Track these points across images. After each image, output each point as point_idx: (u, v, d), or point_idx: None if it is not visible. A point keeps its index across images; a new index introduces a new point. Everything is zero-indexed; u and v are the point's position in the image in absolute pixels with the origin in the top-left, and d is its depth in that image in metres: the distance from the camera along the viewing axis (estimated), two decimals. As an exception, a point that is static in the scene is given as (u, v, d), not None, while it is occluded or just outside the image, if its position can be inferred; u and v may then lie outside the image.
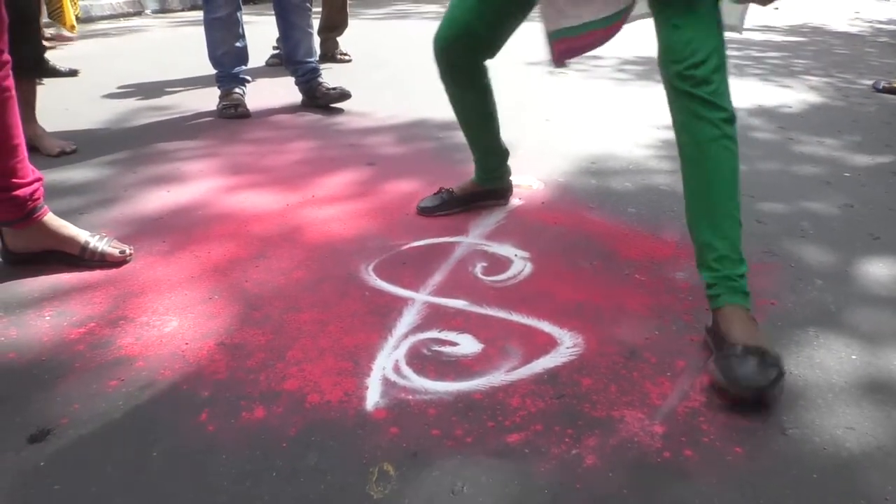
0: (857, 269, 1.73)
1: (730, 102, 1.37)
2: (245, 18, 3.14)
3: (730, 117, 1.37)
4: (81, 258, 1.66)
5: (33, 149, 2.53)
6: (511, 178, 2.11)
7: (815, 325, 1.46)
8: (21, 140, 1.57)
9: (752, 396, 1.18)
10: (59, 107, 2.60)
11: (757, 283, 1.59)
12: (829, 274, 1.69)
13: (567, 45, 1.64)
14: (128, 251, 1.71)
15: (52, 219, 1.66)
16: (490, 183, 2.07)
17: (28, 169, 1.60)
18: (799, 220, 2.01)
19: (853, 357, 1.34)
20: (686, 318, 1.47)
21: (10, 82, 1.52)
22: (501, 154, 2.03)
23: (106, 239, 1.71)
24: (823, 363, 1.32)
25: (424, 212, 2.02)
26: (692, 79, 1.34)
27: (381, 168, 2.44)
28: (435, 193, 2.07)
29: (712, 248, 1.36)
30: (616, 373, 1.28)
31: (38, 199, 1.63)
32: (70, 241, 1.66)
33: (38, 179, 1.64)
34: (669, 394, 1.22)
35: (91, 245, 1.67)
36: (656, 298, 1.55)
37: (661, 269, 1.69)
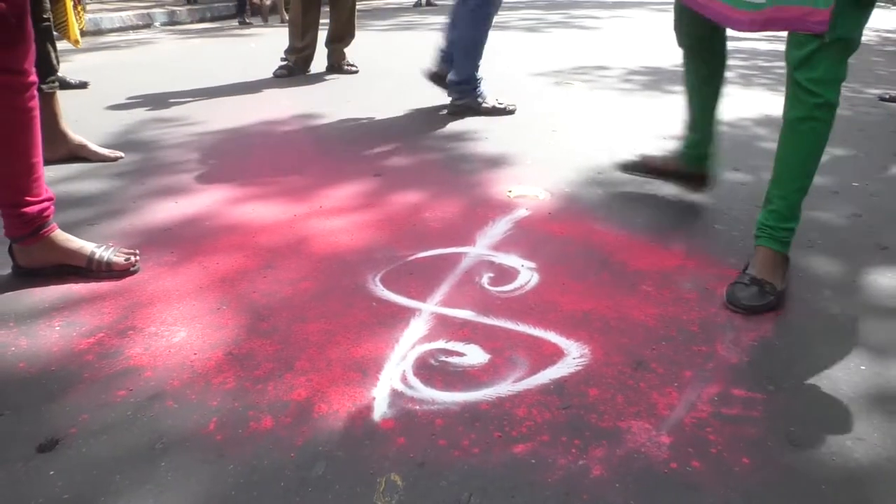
0: (865, 279, 1.72)
1: (832, 91, 1.54)
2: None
3: (823, 103, 1.54)
4: (89, 269, 1.67)
5: (82, 159, 2.58)
6: (538, 187, 2.19)
7: (823, 336, 1.46)
8: (39, 159, 1.61)
9: (744, 312, 1.52)
10: (69, 118, 2.62)
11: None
12: (838, 284, 1.68)
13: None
14: (133, 258, 1.72)
15: (58, 234, 1.68)
16: (687, 162, 2.18)
17: (42, 188, 1.63)
18: (807, 230, 2.01)
19: (862, 367, 1.34)
20: (693, 328, 1.47)
21: (35, 103, 1.56)
22: (704, 134, 2.14)
23: (112, 249, 1.73)
24: (832, 374, 1.32)
25: (625, 169, 2.26)
26: (797, 63, 1.53)
27: (387, 179, 2.45)
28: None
29: (771, 203, 1.66)
30: (623, 383, 1.28)
31: (48, 216, 1.65)
32: (76, 254, 1.68)
33: (50, 199, 1.67)
34: (676, 404, 1.22)
35: (97, 256, 1.68)
36: (663, 309, 1.55)
37: (668, 280, 1.68)
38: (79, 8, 2.75)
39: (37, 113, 1.57)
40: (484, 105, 3.33)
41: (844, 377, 1.31)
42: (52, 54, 2.43)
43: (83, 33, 2.85)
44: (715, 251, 1.83)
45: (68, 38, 2.70)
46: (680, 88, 2.28)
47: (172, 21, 7.84)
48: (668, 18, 2.11)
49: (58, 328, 1.45)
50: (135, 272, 1.71)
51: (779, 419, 1.19)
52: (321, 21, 4.55)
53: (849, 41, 1.50)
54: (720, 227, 2.01)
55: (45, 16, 2.34)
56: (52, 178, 2.38)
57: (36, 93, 1.55)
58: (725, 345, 1.41)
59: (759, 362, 1.35)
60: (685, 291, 1.63)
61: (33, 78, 1.53)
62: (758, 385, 1.28)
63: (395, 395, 1.24)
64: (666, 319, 1.50)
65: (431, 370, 1.32)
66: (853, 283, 1.70)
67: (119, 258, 1.70)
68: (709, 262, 1.77)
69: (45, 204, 1.64)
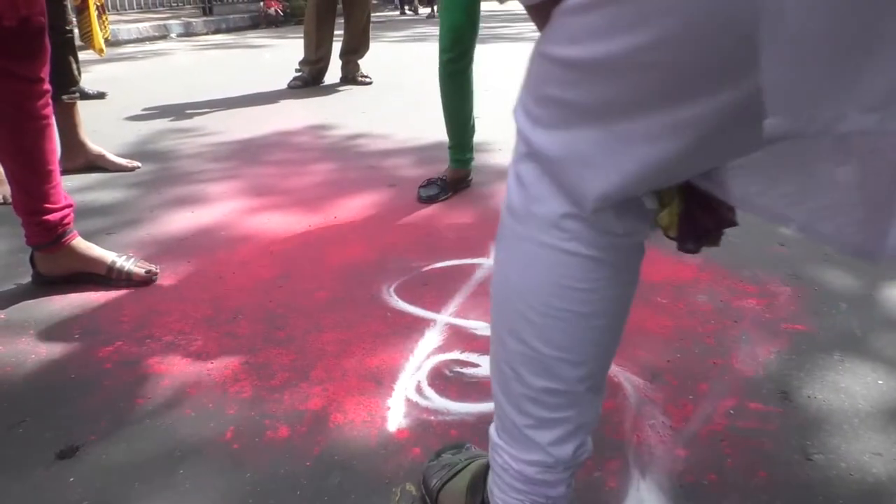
0: (881, 292, 1.71)
1: None
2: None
3: None
4: (108, 278, 1.69)
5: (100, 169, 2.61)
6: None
7: (840, 349, 1.45)
8: (55, 167, 1.63)
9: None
10: (87, 128, 2.66)
11: (781, 307, 1.59)
12: (854, 297, 1.68)
13: None
14: (154, 269, 1.74)
15: (79, 242, 1.70)
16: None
17: (61, 195, 1.65)
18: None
19: (879, 382, 1.33)
20: (708, 340, 1.47)
21: (50, 111, 1.58)
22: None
23: (132, 259, 1.74)
24: (849, 388, 1.31)
25: (429, 200, 2.32)
26: None
27: (401, 189, 2.47)
28: (430, 182, 2.37)
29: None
30: (638, 395, 1.28)
31: (68, 223, 1.67)
32: (97, 262, 1.70)
33: (70, 206, 1.68)
34: (692, 417, 1.22)
35: (118, 265, 1.70)
36: (678, 321, 1.54)
37: (682, 292, 1.68)
38: (104, 17, 2.79)
39: (52, 121, 1.60)
40: None
41: (862, 391, 1.30)
42: (74, 65, 2.46)
43: (107, 42, 2.90)
44: (729, 264, 1.83)
45: (93, 47, 2.75)
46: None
47: (188, 32, 7.93)
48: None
49: (77, 336, 1.47)
50: (153, 281, 1.73)
51: (795, 433, 1.18)
52: (336, 33, 4.60)
53: None
54: (734, 240, 2.01)
55: (67, 27, 2.38)
56: (71, 188, 2.41)
57: (50, 101, 1.58)
58: (741, 357, 1.40)
59: (774, 375, 1.35)
60: (700, 304, 1.62)
61: (47, 86, 1.56)
62: (774, 398, 1.27)
63: (410, 405, 1.25)
64: (681, 331, 1.50)
65: (446, 380, 1.32)
66: (870, 296, 1.69)
67: (139, 269, 1.72)
68: (723, 274, 1.77)
69: (66, 211, 1.66)
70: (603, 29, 0.58)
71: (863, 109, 0.47)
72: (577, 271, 0.70)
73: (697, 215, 0.77)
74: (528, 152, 0.70)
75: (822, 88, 0.48)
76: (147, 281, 1.71)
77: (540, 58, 0.66)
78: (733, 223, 0.78)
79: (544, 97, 0.67)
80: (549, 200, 0.69)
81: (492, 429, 0.84)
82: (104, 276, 1.70)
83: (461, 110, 2.36)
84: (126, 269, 1.71)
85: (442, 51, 2.23)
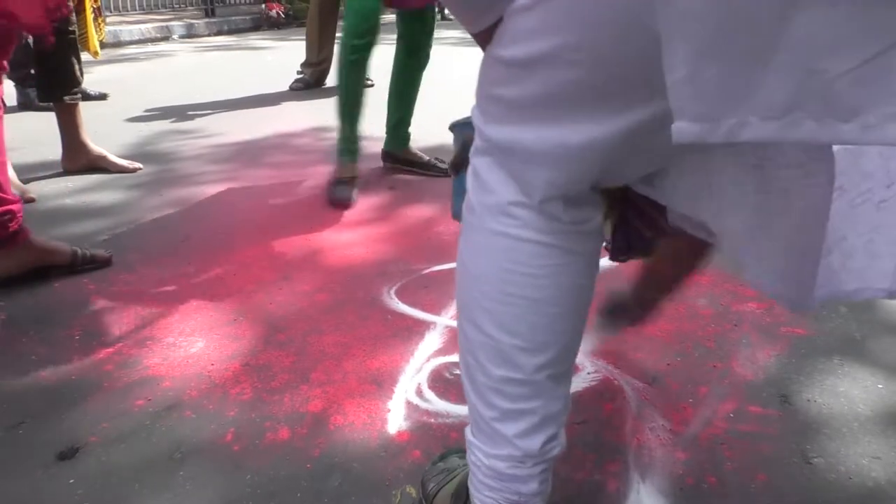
0: (881, 296, 1.71)
1: None
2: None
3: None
4: (74, 266, 1.71)
5: (101, 170, 2.61)
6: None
7: (839, 353, 1.45)
8: (4, 158, 1.62)
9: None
10: (88, 129, 2.66)
11: (781, 311, 1.59)
12: (854, 302, 1.68)
13: None
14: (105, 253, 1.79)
15: (35, 237, 1.71)
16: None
17: (9, 187, 1.65)
18: (822, 246, 2.00)
19: (879, 386, 1.33)
20: (708, 344, 1.47)
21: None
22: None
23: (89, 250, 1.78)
24: (848, 392, 1.31)
25: (343, 201, 2.28)
26: None
27: (401, 192, 2.47)
28: (343, 182, 2.34)
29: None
30: (638, 398, 1.28)
31: (20, 219, 1.66)
32: (60, 252, 1.71)
33: (18, 200, 1.67)
34: (692, 420, 1.22)
35: (80, 252, 1.74)
36: (678, 324, 1.55)
37: (682, 296, 1.68)
38: (99, 20, 2.79)
39: (1, 112, 1.60)
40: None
41: (861, 395, 1.30)
42: (77, 66, 2.47)
43: (103, 45, 2.89)
44: (729, 267, 1.83)
45: (88, 50, 2.75)
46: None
47: (190, 34, 7.94)
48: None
49: (77, 338, 1.47)
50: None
51: (794, 436, 1.18)
52: (338, 35, 4.60)
53: None
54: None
55: (70, 28, 2.38)
56: (72, 189, 2.42)
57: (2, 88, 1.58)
58: (741, 361, 1.40)
59: (774, 379, 1.35)
60: (700, 307, 1.63)
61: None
62: (773, 402, 1.27)
63: (411, 408, 1.25)
64: (681, 335, 1.50)
65: (446, 383, 1.32)
66: (869, 300, 1.69)
67: (97, 251, 1.77)
68: (723, 278, 1.77)
69: (19, 205, 1.65)
70: (536, 29, 0.63)
71: (763, 117, 0.48)
72: (527, 257, 0.73)
73: (635, 224, 0.80)
74: (483, 147, 0.74)
75: (725, 94, 0.49)
76: (107, 261, 1.75)
77: (488, 59, 0.72)
78: (666, 232, 0.81)
79: (492, 95, 0.72)
80: (499, 189, 0.73)
81: (467, 429, 0.85)
82: (68, 266, 1.71)
83: (359, 101, 2.39)
84: (89, 253, 1.74)
85: (352, 36, 2.26)
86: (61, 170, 2.60)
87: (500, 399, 0.77)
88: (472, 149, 0.76)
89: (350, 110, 2.39)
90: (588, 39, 0.59)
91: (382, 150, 2.75)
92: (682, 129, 0.51)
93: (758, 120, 0.48)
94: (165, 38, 7.50)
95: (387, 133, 2.73)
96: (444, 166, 2.64)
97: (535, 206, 0.71)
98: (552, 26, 0.62)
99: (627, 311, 1.22)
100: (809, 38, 0.44)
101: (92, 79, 4.53)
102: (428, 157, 2.69)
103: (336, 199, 2.30)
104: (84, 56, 2.58)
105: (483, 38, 0.72)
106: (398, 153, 2.71)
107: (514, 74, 0.68)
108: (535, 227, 0.72)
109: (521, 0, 0.64)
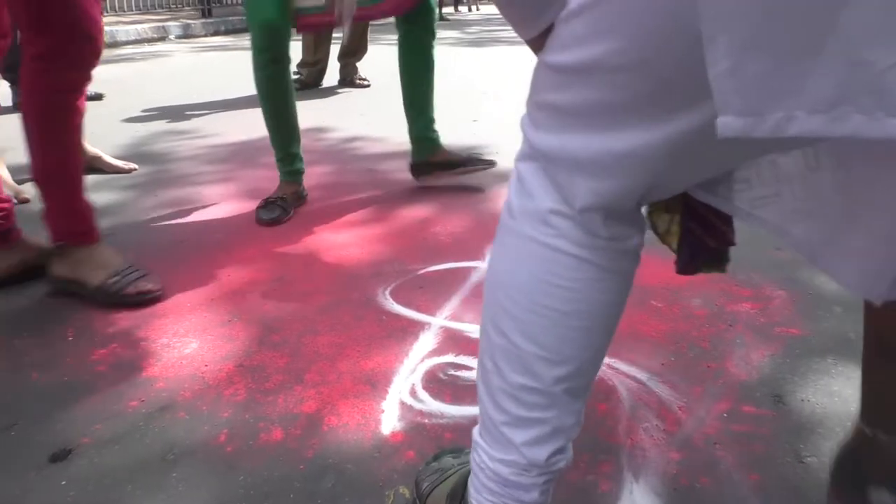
0: (875, 296, 1.71)
1: None
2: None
3: None
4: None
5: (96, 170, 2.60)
6: None
7: (833, 353, 1.45)
8: None
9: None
10: (84, 130, 2.66)
11: (775, 310, 1.59)
12: (848, 301, 1.68)
13: (308, 21, 2.20)
14: None
15: (27, 237, 1.71)
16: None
17: (1, 186, 1.68)
18: (816, 246, 2.00)
19: (872, 386, 1.33)
20: (703, 344, 1.47)
21: None
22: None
23: None
24: (842, 392, 1.31)
25: (272, 222, 2.13)
26: None
27: (397, 192, 2.47)
28: (269, 203, 2.19)
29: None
30: (632, 398, 1.28)
31: (13, 219, 1.68)
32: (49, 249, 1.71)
33: (9, 200, 1.69)
34: (686, 420, 1.22)
35: None
36: (673, 325, 1.55)
37: (677, 296, 1.68)
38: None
39: None
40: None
41: (855, 395, 1.30)
42: None
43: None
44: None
45: None
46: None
47: (187, 34, 7.93)
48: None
49: (71, 338, 1.47)
50: None
51: (788, 436, 1.18)
52: (334, 35, 4.60)
53: None
54: (730, 243, 2.01)
55: None
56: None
57: None
58: (735, 361, 1.40)
59: (768, 379, 1.35)
60: (695, 307, 1.63)
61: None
62: (767, 402, 1.28)
63: (405, 409, 1.25)
64: (676, 335, 1.50)
65: (441, 384, 1.32)
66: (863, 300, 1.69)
67: None
68: (718, 278, 1.77)
69: (9, 204, 1.67)
70: (584, 35, 0.63)
71: (810, 111, 0.47)
72: (561, 269, 0.72)
73: (698, 233, 0.79)
74: (529, 153, 0.74)
75: (770, 88, 0.48)
76: None
77: (539, 66, 0.71)
78: (732, 242, 0.79)
79: (542, 102, 0.71)
80: (540, 196, 0.72)
81: (475, 429, 0.84)
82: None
83: (289, 117, 2.27)
84: None
85: (259, 51, 2.12)
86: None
87: (514, 405, 0.76)
88: (518, 154, 0.76)
89: (276, 131, 2.27)
90: (635, 44, 0.59)
91: (410, 164, 2.51)
92: (726, 123, 0.50)
93: (804, 114, 0.47)
94: (162, 39, 7.49)
95: (412, 144, 2.51)
96: (489, 159, 2.48)
97: (575, 216, 0.70)
98: (600, 31, 0.61)
99: None
100: (857, 29, 0.43)
101: (88, 79, 4.52)
102: (466, 154, 2.52)
103: (258, 219, 2.18)
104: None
105: (536, 45, 0.72)
106: (430, 158, 2.46)
107: (562, 80, 0.68)
108: (572, 238, 0.71)
109: (571, 6, 0.63)
